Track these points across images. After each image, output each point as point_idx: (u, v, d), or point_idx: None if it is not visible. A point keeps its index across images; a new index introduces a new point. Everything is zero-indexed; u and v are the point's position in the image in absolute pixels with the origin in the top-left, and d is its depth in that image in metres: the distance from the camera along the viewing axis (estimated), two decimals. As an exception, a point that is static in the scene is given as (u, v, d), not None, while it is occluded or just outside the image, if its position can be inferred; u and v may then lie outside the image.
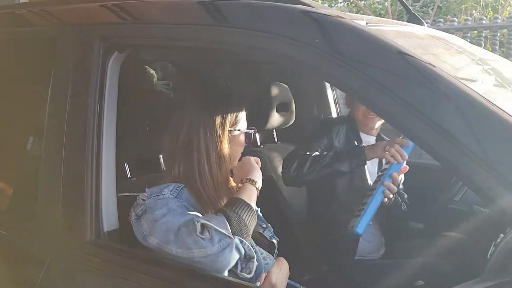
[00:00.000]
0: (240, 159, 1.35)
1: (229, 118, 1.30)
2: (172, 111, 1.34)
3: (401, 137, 1.66)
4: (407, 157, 1.64)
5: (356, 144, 1.88)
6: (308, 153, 1.76)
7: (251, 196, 1.22)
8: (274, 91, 2.13)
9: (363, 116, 1.90)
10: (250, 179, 1.25)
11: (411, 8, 1.82)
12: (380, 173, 1.76)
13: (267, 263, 1.32)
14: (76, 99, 1.19)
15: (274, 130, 2.35)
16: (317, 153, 1.78)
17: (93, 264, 1.10)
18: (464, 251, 1.71)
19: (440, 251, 1.76)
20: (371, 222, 1.65)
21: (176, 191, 1.20)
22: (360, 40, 0.97)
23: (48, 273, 1.12)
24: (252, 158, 1.32)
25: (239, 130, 1.33)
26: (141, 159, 1.66)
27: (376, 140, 1.96)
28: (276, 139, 2.38)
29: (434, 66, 0.92)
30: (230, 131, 1.30)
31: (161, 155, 1.77)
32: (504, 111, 0.87)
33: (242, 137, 1.35)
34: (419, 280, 1.70)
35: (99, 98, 1.17)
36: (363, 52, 0.97)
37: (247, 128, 1.36)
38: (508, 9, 7.89)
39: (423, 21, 1.60)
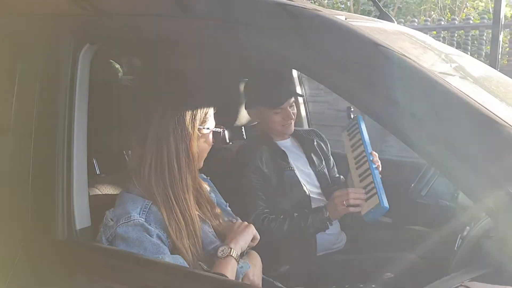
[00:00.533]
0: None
1: (199, 116, 1.28)
2: (138, 107, 1.30)
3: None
4: (364, 196, 1.68)
5: (289, 172, 1.88)
6: (282, 216, 1.76)
7: (233, 273, 1.21)
8: (243, 87, 2.13)
9: (281, 126, 1.89)
10: (235, 252, 1.23)
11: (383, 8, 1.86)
12: (357, 159, 1.80)
13: (242, 267, 1.30)
14: (46, 94, 1.14)
15: (243, 127, 2.34)
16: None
17: (67, 263, 1.07)
18: (431, 244, 1.76)
19: (408, 244, 1.81)
20: None
21: (144, 211, 1.18)
22: (340, 33, 0.98)
23: (16, 274, 1.08)
24: (255, 235, 1.33)
25: (207, 128, 1.31)
26: (107, 155, 1.62)
27: (292, 140, 2.00)
28: (244, 136, 2.37)
29: (407, 57, 0.94)
30: (199, 129, 1.28)
31: (127, 151, 1.74)
32: (474, 99, 0.90)
33: (210, 136, 1.33)
34: (388, 273, 1.73)
35: (70, 93, 1.13)
36: (339, 43, 0.97)
37: (215, 127, 1.35)
38: (464, 11, 8.21)
39: (393, 19, 1.64)
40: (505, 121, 0.86)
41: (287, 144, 1.98)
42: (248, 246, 1.32)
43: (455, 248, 1.52)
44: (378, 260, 1.82)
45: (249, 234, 1.31)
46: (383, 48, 0.94)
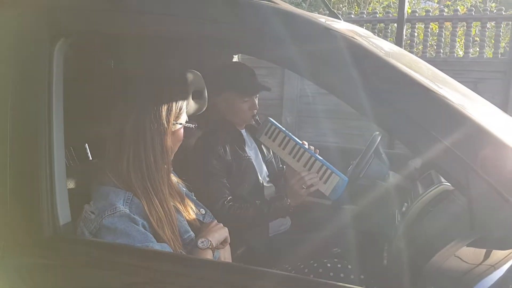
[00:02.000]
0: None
1: (174, 111, 1.31)
2: (114, 102, 1.31)
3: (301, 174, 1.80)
4: (316, 175, 1.80)
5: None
6: (248, 205, 1.85)
7: None
8: (190, 78, 2.16)
9: (246, 115, 1.99)
10: (213, 245, 1.31)
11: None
12: (292, 153, 1.90)
13: (214, 256, 1.38)
14: (22, 88, 1.12)
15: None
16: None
17: (58, 258, 1.07)
18: (372, 220, 1.96)
19: (351, 222, 1.98)
20: None
21: (127, 202, 1.21)
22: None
23: (3, 273, 1.05)
24: (227, 238, 1.40)
25: (180, 124, 1.35)
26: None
27: (245, 130, 2.11)
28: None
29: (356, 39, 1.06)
30: (173, 124, 1.31)
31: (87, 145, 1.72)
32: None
33: (181, 131, 1.36)
34: (335, 248, 1.89)
35: (48, 87, 1.12)
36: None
37: (186, 122, 1.38)
38: (371, 5, 8.78)
39: (340, 17, 1.78)
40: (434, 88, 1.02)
41: (243, 133, 2.08)
42: (217, 247, 1.38)
43: (396, 222, 1.73)
44: (323, 238, 1.97)
45: (223, 234, 1.39)
46: (332, 31, 1.05)
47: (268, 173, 2.11)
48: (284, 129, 1.96)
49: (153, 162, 1.27)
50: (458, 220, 1.36)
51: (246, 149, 2.03)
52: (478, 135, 0.96)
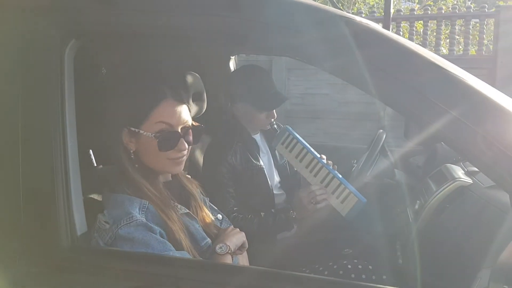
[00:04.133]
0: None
1: (129, 114, 1.20)
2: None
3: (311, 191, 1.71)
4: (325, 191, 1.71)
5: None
6: (250, 216, 1.78)
7: None
8: (189, 80, 2.12)
9: (263, 124, 1.95)
10: (232, 251, 1.26)
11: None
12: (310, 167, 1.79)
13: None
14: (33, 93, 1.06)
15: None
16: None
17: (76, 270, 1.02)
18: (383, 219, 1.93)
19: (360, 221, 1.96)
20: None
21: (143, 211, 1.15)
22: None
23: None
24: (245, 243, 1.34)
25: (145, 132, 1.18)
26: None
27: (260, 134, 2.05)
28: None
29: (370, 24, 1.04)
30: (135, 131, 1.19)
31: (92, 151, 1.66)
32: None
33: (153, 142, 1.18)
34: (346, 249, 1.86)
35: (60, 91, 1.06)
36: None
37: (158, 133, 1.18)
38: (356, 5, 8.84)
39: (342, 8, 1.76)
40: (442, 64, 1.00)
41: (257, 138, 2.03)
42: (235, 253, 1.32)
43: (410, 221, 1.71)
44: (333, 238, 1.95)
45: (240, 239, 1.33)
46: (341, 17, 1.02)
47: (280, 180, 2.07)
48: (302, 139, 1.84)
49: (130, 171, 1.20)
50: (479, 215, 1.35)
51: (260, 156, 1.97)
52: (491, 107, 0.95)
